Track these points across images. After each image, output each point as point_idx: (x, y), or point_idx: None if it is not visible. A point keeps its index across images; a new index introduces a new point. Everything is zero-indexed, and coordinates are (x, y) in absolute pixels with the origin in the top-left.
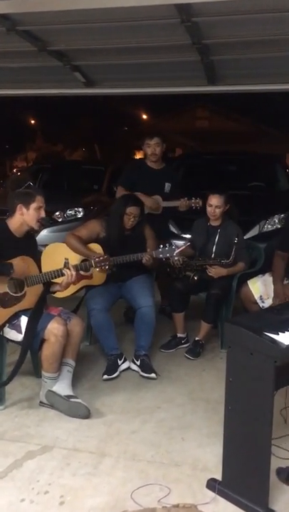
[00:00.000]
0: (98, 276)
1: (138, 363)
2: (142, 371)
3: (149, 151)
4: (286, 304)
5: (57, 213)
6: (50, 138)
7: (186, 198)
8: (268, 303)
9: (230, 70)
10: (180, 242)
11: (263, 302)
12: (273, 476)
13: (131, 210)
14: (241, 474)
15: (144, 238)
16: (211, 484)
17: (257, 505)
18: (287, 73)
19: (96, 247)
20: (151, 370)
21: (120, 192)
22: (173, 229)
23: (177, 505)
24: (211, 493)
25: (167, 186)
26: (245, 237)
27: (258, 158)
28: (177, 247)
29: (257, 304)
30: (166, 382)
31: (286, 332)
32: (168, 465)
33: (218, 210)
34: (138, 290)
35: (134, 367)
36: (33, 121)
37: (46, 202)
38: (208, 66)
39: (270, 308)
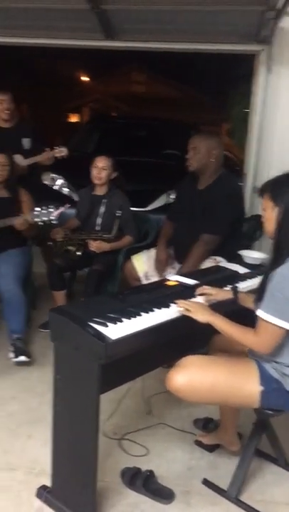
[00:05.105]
0: None
1: (12, 348)
2: (14, 356)
3: (1, 108)
4: (137, 288)
5: None
6: None
7: (48, 149)
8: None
9: (128, 23)
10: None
11: (147, 280)
12: (118, 479)
13: None
14: (69, 481)
15: (18, 201)
16: (40, 492)
17: None
18: (196, 31)
19: None
20: (21, 353)
21: None
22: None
23: None
24: (39, 503)
25: (26, 142)
26: (151, 207)
27: (175, 126)
28: (55, 210)
29: (140, 281)
30: (34, 368)
31: (118, 323)
32: (0, 470)
33: (104, 173)
34: (4, 271)
35: (10, 354)
36: None
37: None
38: (102, 17)
39: (117, 293)
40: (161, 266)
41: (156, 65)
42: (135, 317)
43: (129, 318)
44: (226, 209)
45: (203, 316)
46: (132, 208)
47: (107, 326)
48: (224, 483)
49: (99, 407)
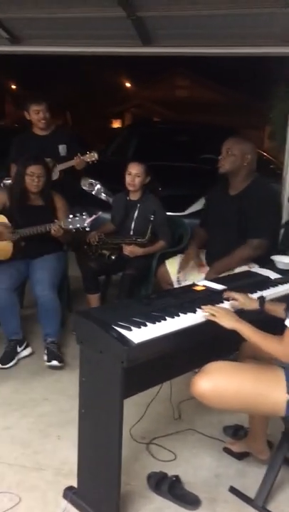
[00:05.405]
0: (3, 251)
1: (45, 351)
2: (47, 360)
3: (38, 117)
4: (164, 292)
5: None
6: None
7: (79, 155)
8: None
9: (164, 29)
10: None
11: (179, 284)
12: (144, 483)
13: (31, 169)
14: (94, 483)
15: (53, 208)
16: (67, 493)
17: None
18: (233, 34)
19: (0, 219)
20: (53, 357)
21: (14, 169)
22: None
23: None
24: (64, 504)
25: (62, 149)
26: (188, 211)
27: (214, 130)
28: (88, 216)
29: (173, 285)
30: (66, 370)
31: (142, 327)
32: (30, 469)
33: (137, 180)
34: (38, 276)
35: (44, 357)
36: (14, 86)
37: None
38: (138, 24)
39: (144, 296)
40: (185, 262)
41: (200, 69)
42: (160, 321)
43: (154, 323)
44: (266, 212)
45: (228, 322)
46: (169, 213)
47: (131, 329)
48: (252, 492)
49: (122, 411)
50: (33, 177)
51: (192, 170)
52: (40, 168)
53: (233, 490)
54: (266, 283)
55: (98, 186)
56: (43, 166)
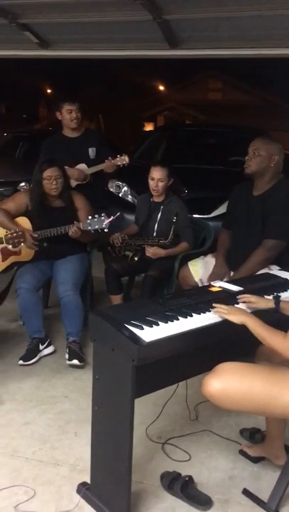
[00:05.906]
0: (27, 252)
1: (67, 350)
2: (68, 359)
3: (70, 117)
4: (179, 293)
5: (22, 184)
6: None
7: (110, 158)
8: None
9: (191, 31)
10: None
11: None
12: (157, 482)
13: (47, 172)
14: (105, 480)
15: (74, 209)
16: (80, 488)
17: None
18: (259, 36)
19: (23, 221)
20: (74, 356)
21: None
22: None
23: None
24: (78, 499)
25: (92, 151)
26: (214, 214)
27: (244, 132)
28: (107, 217)
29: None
30: (87, 369)
31: (154, 326)
32: (46, 464)
33: (160, 184)
34: (61, 276)
35: (66, 356)
36: (49, 90)
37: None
38: (164, 27)
39: (158, 296)
40: (214, 278)
41: (233, 71)
42: (172, 321)
43: (166, 322)
44: (287, 214)
45: (237, 317)
46: (196, 215)
47: (142, 328)
48: (266, 495)
49: (133, 409)
50: (51, 180)
51: (220, 172)
52: (55, 170)
53: (246, 492)
54: (284, 285)
55: (125, 188)
56: (59, 169)
